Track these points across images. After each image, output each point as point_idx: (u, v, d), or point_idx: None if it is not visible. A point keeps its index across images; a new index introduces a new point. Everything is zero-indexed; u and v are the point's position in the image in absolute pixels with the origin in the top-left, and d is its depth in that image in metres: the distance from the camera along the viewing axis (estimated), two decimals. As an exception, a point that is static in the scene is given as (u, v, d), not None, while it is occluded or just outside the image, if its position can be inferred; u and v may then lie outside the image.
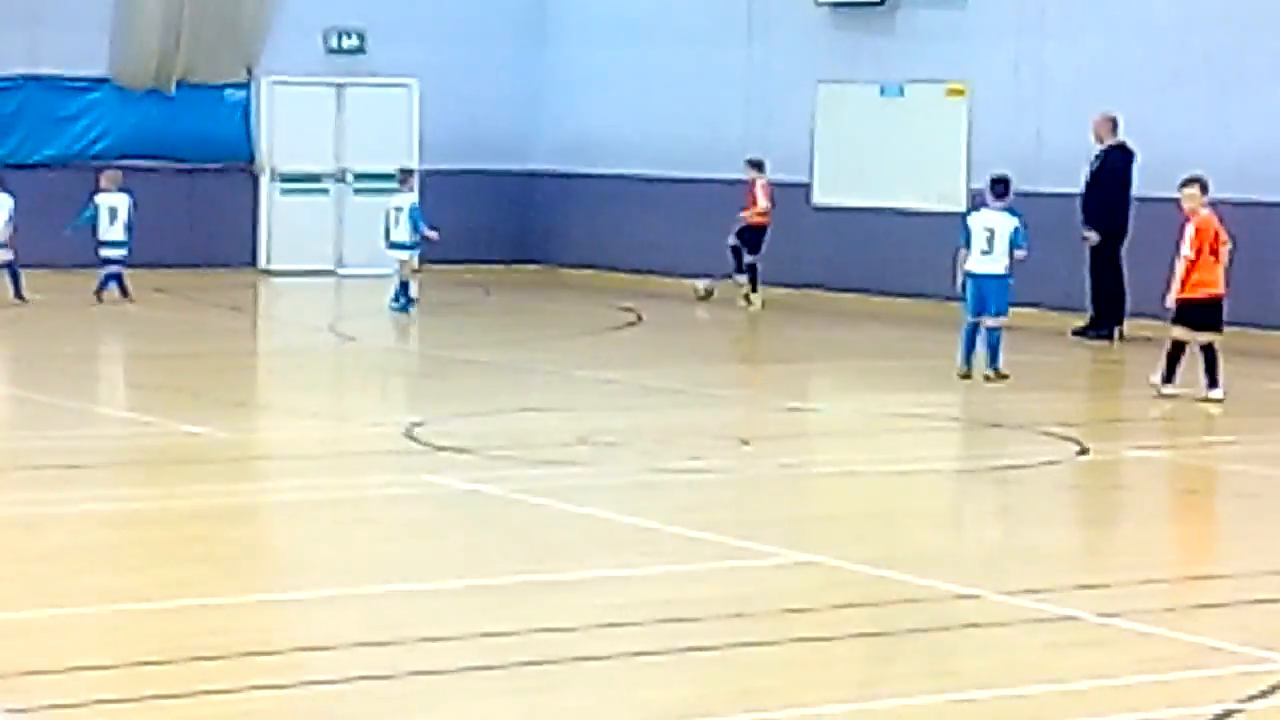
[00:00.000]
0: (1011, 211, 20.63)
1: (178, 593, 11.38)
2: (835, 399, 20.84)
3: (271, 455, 16.86)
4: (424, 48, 32.99)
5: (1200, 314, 19.41)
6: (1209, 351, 19.41)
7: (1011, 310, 20.88)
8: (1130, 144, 25.19)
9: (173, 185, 31.78)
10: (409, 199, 27.78)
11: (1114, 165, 25.22)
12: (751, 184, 29.17)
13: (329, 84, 33.18)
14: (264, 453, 16.99)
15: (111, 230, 27.53)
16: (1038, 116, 27.28)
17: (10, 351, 22.55)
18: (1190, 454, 17.15)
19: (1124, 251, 25.17)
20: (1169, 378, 19.40)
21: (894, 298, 28.50)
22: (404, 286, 27.30)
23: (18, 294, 26.54)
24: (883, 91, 29.38)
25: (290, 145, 32.88)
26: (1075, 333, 25.24)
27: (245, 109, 32.61)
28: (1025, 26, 27.65)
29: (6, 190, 27.23)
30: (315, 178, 33.16)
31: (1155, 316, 24.83)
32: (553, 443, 16.77)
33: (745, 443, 17.14)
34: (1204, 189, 19.71)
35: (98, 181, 28.06)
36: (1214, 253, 19.53)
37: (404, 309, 27.23)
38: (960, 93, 28.38)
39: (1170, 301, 19.63)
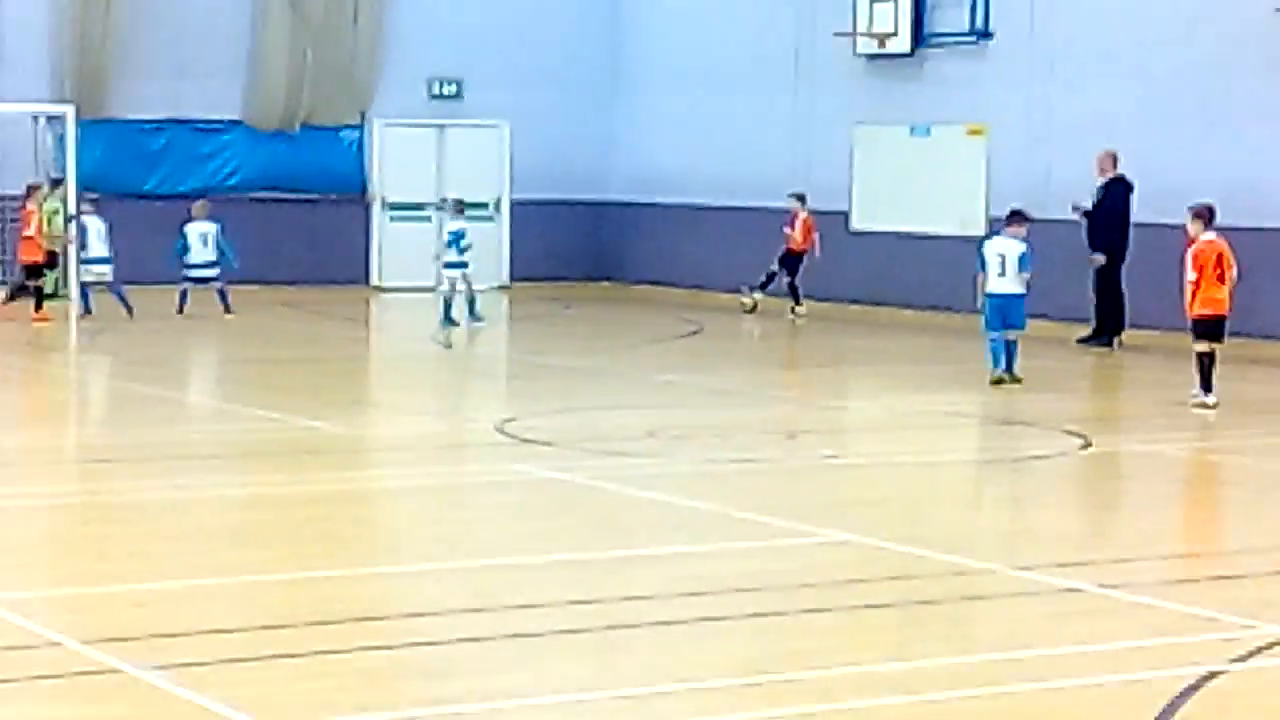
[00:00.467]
0: (1019, 239, 20.58)
1: (299, 566, 11.40)
2: (870, 398, 20.76)
3: (381, 447, 16.87)
4: (514, 94, 33.01)
5: (1206, 328, 19.13)
6: (1208, 359, 19.11)
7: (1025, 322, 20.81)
8: (1129, 176, 25.09)
9: (296, 214, 31.91)
10: (459, 225, 27.13)
11: (1115, 195, 25.12)
12: (794, 214, 29.09)
13: (431, 125, 33.22)
14: (374, 445, 17.00)
15: (204, 253, 27.36)
16: (1048, 153, 27.15)
17: (155, 358, 22.63)
18: (1183, 447, 17.04)
19: (1124, 270, 25.09)
20: (1207, 388, 19.00)
21: (922, 311, 28.40)
22: (470, 302, 26.75)
23: (127, 310, 26.32)
24: (912, 131, 29.29)
25: (397, 178, 32.93)
26: (1080, 341, 25.13)
27: (359, 147, 32.68)
28: (1037, 74, 27.53)
29: (100, 215, 27.07)
30: (419, 206, 33.18)
31: (1151, 327, 24.80)
32: (625, 436, 16.75)
33: (792, 437, 17.10)
34: (1203, 218, 19.41)
35: (189, 212, 27.88)
36: (1219, 276, 19.18)
37: (451, 324, 26.54)
38: (980, 132, 28.27)
39: (1188, 318, 19.35)
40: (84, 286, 26.88)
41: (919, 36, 28.99)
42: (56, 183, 29.10)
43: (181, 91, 31.16)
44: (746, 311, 29.46)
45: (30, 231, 26.67)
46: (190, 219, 27.74)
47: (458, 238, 26.79)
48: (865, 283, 29.33)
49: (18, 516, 13.08)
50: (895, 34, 29.04)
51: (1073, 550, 12.52)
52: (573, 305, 30.93)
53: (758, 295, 29.19)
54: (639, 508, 13.59)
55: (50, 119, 29.82)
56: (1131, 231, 25.06)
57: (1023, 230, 20.64)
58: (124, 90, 30.91)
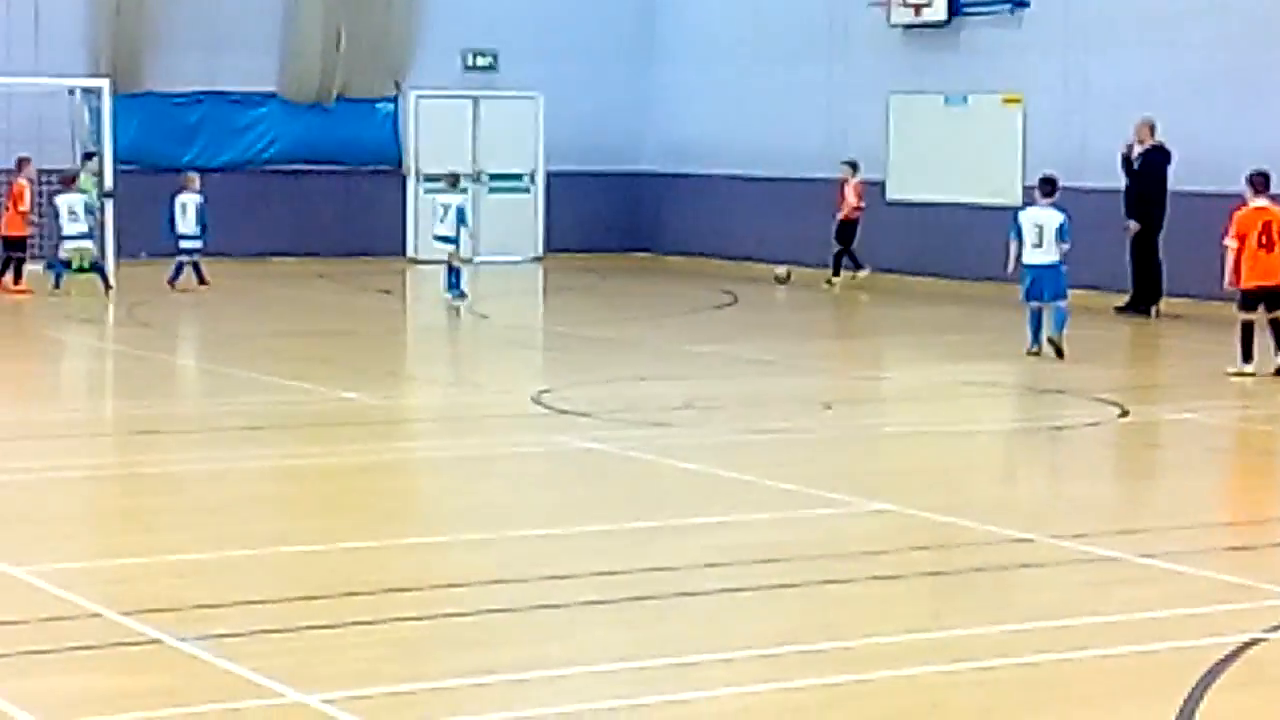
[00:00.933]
0: (1058, 208, 20.41)
1: (334, 537, 11.42)
2: (906, 368, 20.73)
3: (416, 418, 16.90)
4: (548, 66, 32.98)
5: (1260, 299, 18.91)
6: (1275, 327, 18.96)
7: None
8: (1167, 145, 24.98)
9: (332, 185, 31.94)
10: (457, 199, 26.75)
11: (1152, 164, 25.02)
12: (844, 182, 29.00)
13: (466, 97, 33.20)
14: (410, 416, 17.03)
15: (184, 224, 27.13)
16: (1083, 122, 27.05)
17: (191, 331, 22.69)
18: (1221, 416, 16.96)
19: (1161, 239, 25.00)
20: (1247, 357, 18.84)
21: (958, 280, 28.33)
22: (455, 275, 26.17)
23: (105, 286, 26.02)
24: (947, 101, 29.19)
25: (433, 150, 32.91)
26: (1117, 310, 25.05)
27: (394, 119, 32.69)
28: (1072, 43, 27.42)
29: (78, 191, 26.68)
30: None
31: (1188, 296, 24.71)
32: (660, 407, 16.74)
33: (828, 407, 17.07)
34: (1253, 185, 19.23)
35: (183, 184, 27.66)
36: (1266, 244, 18.94)
37: (460, 297, 25.90)
38: (1015, 101, 28.17)
39: (1227, 285, 19.15)
40: (59, 263, 26.42)
41: (954, 6, 28.88)
42: (89, 156, 29.13)
43: (217, 65, 31.19)
44: (779, 282, 29.41)
45: (25, 206, 26.50)
46: (182, 189, 27.51)
47: (461, 213, 26.41)
48: (901, 253, 29.25)
49: (57, 488, 13.13)
50: (930, 3, 28.95)
51: (1110, 519, 12.49)
52: (607, 276, 30.89)
53: (852, 274, 28.82)
54: (675, 478, 13.58)
55: (86, 93, 29.87)
56: (1169, 200, 24.97)
57: (1054, 198, 20.47)
58: (160, 64, 30.96)
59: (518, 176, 33.41)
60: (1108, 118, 26.29)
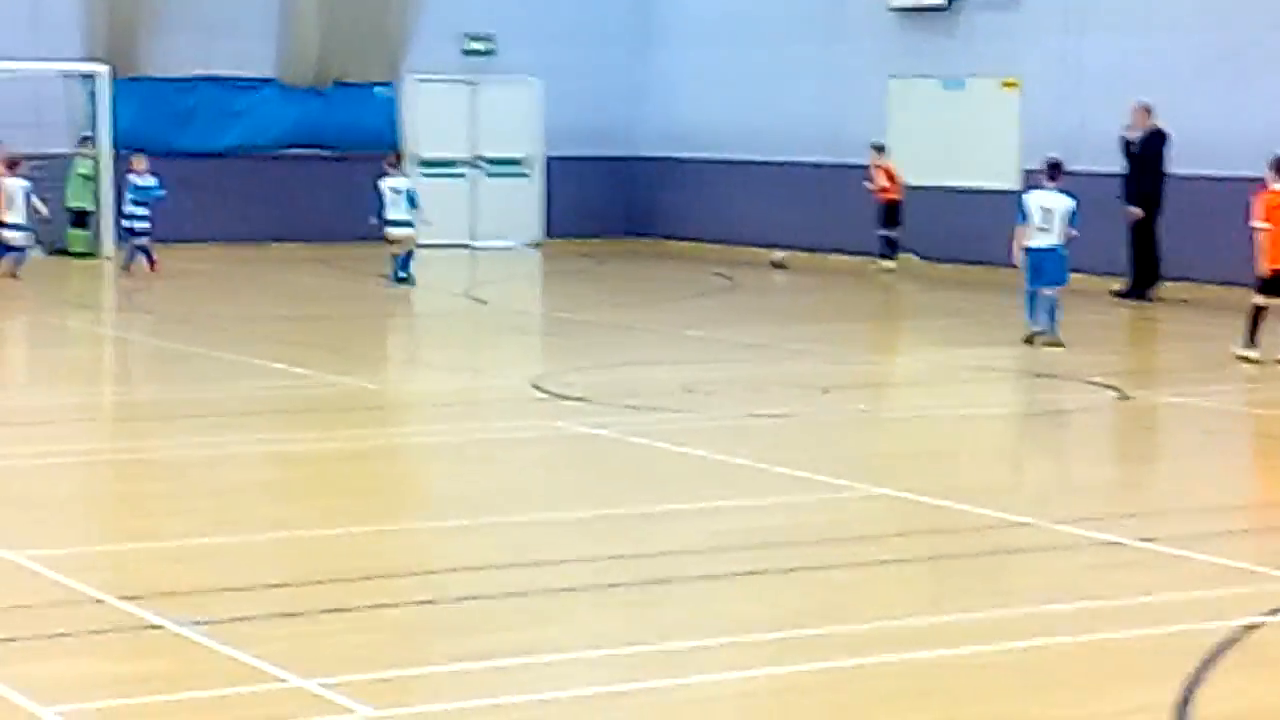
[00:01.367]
0: (1067, 193, 20.23)
1: (337, 521, 11.43)
2: (905, 352, 20.74)
3: (415, 403, 16.90)
4: (547, 50, 32.96)
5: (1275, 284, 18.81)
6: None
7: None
8: (1165, 128, 24.98)
9: (329, 171, 31.90)
10: (404, 181, 26.56)
11: (1150, 148, 25.01)
12: (872, 165, 28.98)
13: (464, 81, 33.19)
14: (408, 401, 17.03)
15: (133, 206, 26.87)
16: (1081, 105, 27.03)
17: (187, 315, 22.68)
18: (1220, 399, 16.96)
19: (1159, 223, 25.00)
20: (1251, 342, 18.76)
21: (956, 264, 28.33)
22: (405, 260, 26.04)
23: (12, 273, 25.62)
24: (945, 85, 29.19)
25: (431, 135, 32.90)
26: (1115, 294, 25.05)
27: (392, 104, 32.67)
28: (1069, 26, 27.40)
29: (19, 174, 26.22)
30: (452, 163, 33.18)
31: (1186, 279, 24.72)
32: (660, 391, 16.75)
33: (826, 391, 17.06)
34: (1274, 167, 19.05)
35: (130, 165, 27.36)
36: None
37: (407, 282, 25.89)
38: (1013, 85, 28.17)
39: (1265, 269, 18.88)
40: (6, 248, 26.04)
41: (952, -11, 28.89)
42: (84, 140, 29.11)
43: (214, 49, 31.15)
44: (775, 267, 29.41)
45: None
46: (130, 170, 27.25)
47: (411, 196, 26.16)
48: (899, 236, 29.22)
49: (55, 473, 13.13)
50: (928, -14, 28.96)
51: (1110, 503, 12.51)
52: (606, 261, 30.89)
53: (892, 263, 28.78)
54: (674, 462, 13.59)
55: (83, 77, 29.85)
56: (1167, 184, 24.96)
57: (1060, 181, 20.35)
58: (157, 48, 30.92)
59: (516, 161, 33.40)
60: (1105, 101, 26.29)
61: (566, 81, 33.05)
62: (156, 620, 8.99)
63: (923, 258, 28.80)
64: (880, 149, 28.96)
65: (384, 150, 32.07)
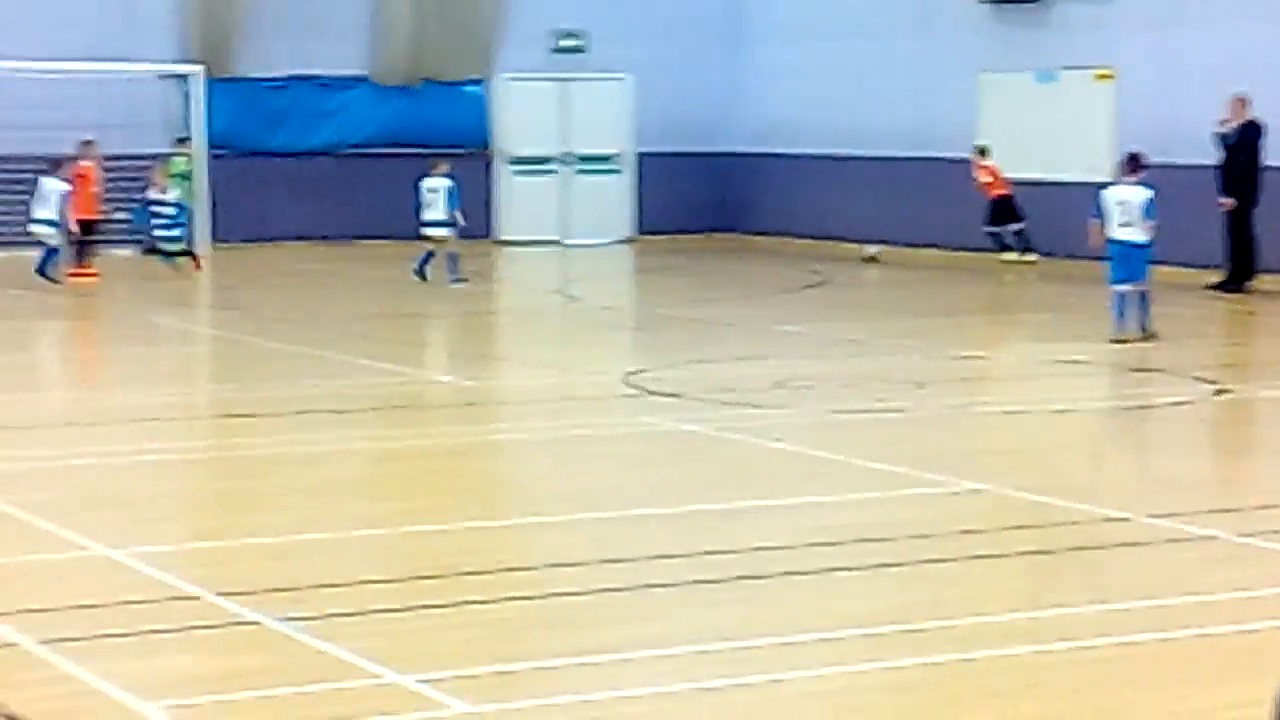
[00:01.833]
0: (1145, 184, 19.96)
1: (435, 518, 11.45)
2: (999, 347, 20.63)
3: (509, 400, 16.92)
4: (638, 47, 32.98)
5: None
6: None
7: (1153, 268, 20.36)
8: (1260, 120, 24.77)
9: (421, 168, 31.88)
10: (445, 182, 26.11)
11: (1246, 140, 24.81)
12: (975, 165, 28.90)
13: (554, 79, 33.24)
14: (502, 398, 17.06)
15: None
16: (1176, 97, 26.82)
17: (284, 314, 22.80)
18: (1316, 393, 16.80)
19: (1255, 215, 24.79)
20: None
21: (1048, 258, 28.17)
22: (452, 260, 25.62)
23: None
24: (1038, 78, 29.02)
25: (521, 133, 32.99)
26: (1210, 287, 24.85)
27: (482, 102, 32.76)
28: (1165, 18, 27.19)
29: (62, 178, 25.88)
30: (543, 160, 33.26)
31: (1283, 272, 24.50)
32: (752, 387, 16.71)
33: (920, 386, 16.98)
34: None
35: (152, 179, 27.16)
36: None
37: (457, 281, 25.49)
38: (1108, 78, 27.97)
39: None
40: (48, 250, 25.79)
41: (1044, -18, 28.73)
42: (181, 142, 29.32)
43: (307, 49, 31.33)
44: (867, 261, 29.32)
45: (95, 188, 26.52)
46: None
47: (451, 195, 25.90)
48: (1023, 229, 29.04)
49: (152, 471, 13.23)
50: (1020, -20, 28.80)
51: (1207, 498, 12.40)
52: (697, 257, 30.85)
53: (1030, 255, 28.69)
54: (768, 458, 13.56)
55: (178, 78, 30.07)
56: (1263, 176, 24.75)
57: (1140, 175, 20.07)
58: (251, 49, 31.12)
59: (607, 158, 33.43)
60: (1200, 93, 26.07)
61: (657, 78, 33.05)
62: (254, 616, 9.03)
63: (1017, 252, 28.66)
64: (980, 151, 28.83)
65: (474, 147, 32.27)
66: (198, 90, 29.61)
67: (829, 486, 12.46)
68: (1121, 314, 19.74)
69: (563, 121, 33.30)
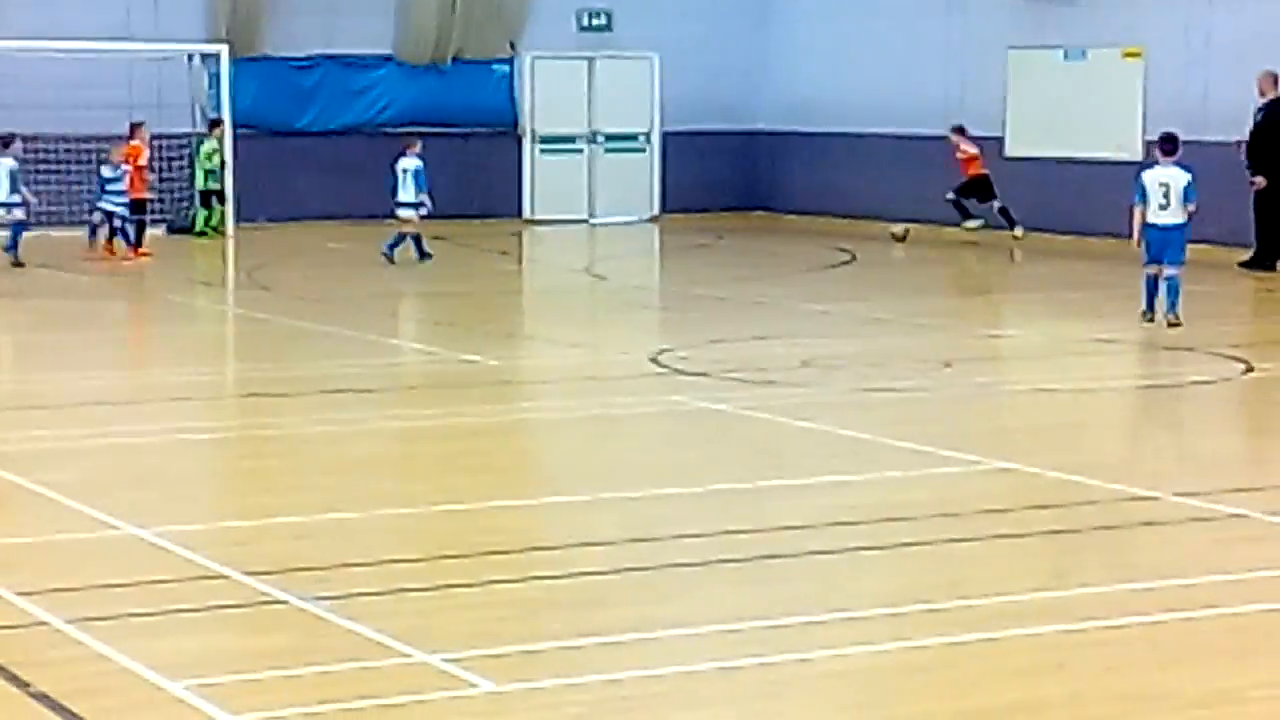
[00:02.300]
0: (1183, 166, 19.77)
1: (461, 497, 11.47)
2: (1026, 325, 20.59)
3: (536, 379, 16.93)
4: (664, 25, 32.92)
5: None
6: None
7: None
8: (1290, 97, 24.69)
9: (448, 148, 31.98)
10: (414, 163, 25.90)
11: (1276, 117, 24.68)
12: (955, 146, 28.94)
13: (581, 58, 33.21)
14: (529, 377, 17.07)
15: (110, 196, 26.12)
16: (1205, 75, 26.73)
17: (310, 293, 22.82)
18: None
19: (1284, 192, 24.72)
20: None
21: (1077, 236, 28.11)
22: (416, 241, 25.56)
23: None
24: (1066, 56, 28.94)
25: (548, 111, 32.97)
26: (1241, 265, 24.75)
27: (510, 81, 32.74)
28: (1194, -6, 27.13)
29: (11, 155, 25.35)
30: (570, 139, 33.24)
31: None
32: (779, 366, 16.71)
33: (947, 365, 16.96)
34: None
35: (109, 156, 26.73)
36: None
37: (423, 258, 25.48)
38: (1136, 55, 27.88)
39: None
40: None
41: (1073, -42, 28.64)
42: (214, 124, 29.37)
43: (333, 28, 31.34)
44: (896, 240, 29.28)
45: (142, 163, 26.55)
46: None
47: (419, 176, 25.70)
48: (1020, 209, 29.02)
49: (180, 450, 13.27)
50: (1049, -44, 28.71)
51: (1236, 476, 12.36)
52: (725, 236, 30.86)
53: (973, 225, 28.85)
54: (795, 437, 13.56)
55: (205, 58, 30.10)
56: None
57: (1177, 155, 19.88)
58: (277, 28, 31.14)
59: (633, 136, 33.39)
60: (1230, 70, 25.99)
61: (684, 56, 33.00)
62: (281, 595, 9.06)
63: (1041, 230, 28.58)
64: (956, 129, 28.87)
65: (501, 126, 32.26)
66: (223, 69, 29.63)
67: (855, 465, 12.45)
68: (1152, 297, 19.50)
69: (589, 100, 33.27)
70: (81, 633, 8.48)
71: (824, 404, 14.78)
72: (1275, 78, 24.75)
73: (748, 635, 8.55)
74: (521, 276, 27.48)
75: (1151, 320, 19.37)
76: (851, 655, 8.29)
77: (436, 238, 28.40)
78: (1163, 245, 19.39)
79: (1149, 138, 25.24)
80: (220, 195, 29.22)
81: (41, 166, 28.33)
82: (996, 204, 28.74)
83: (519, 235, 31.36)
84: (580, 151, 33.26)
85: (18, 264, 24.74)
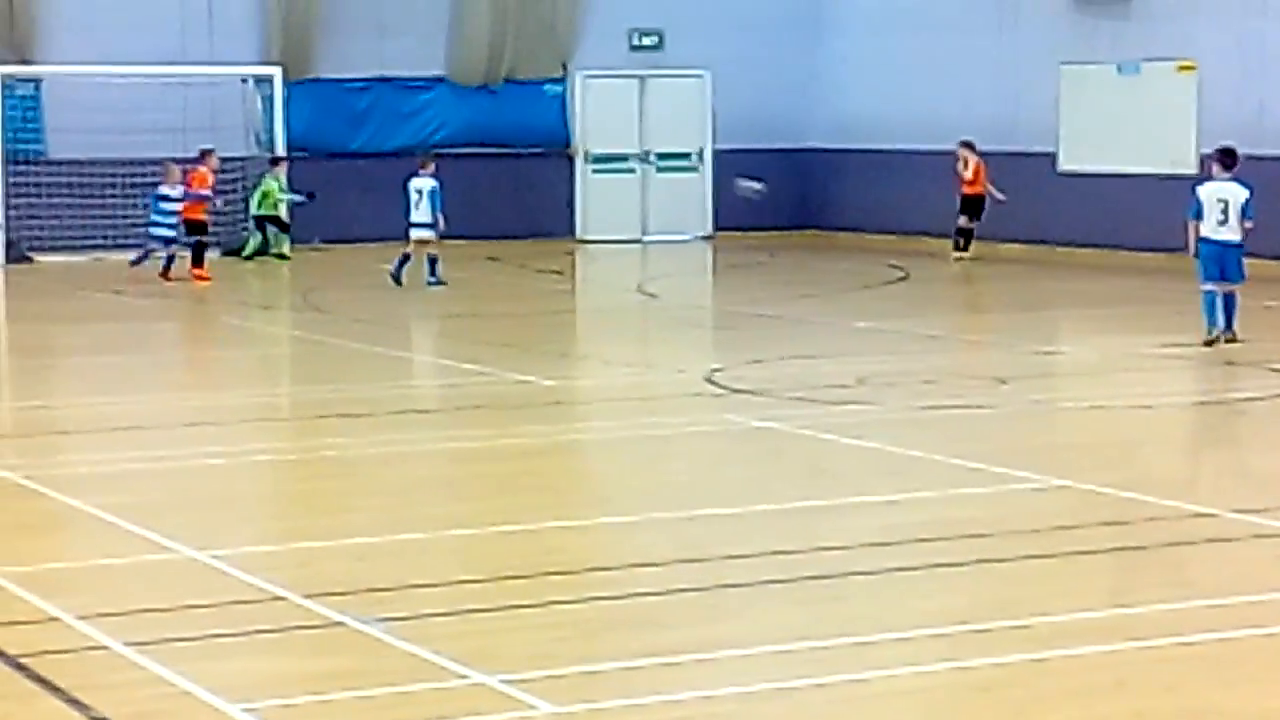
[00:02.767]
0: (1240, 182, 19.56)
1: (518, 518, 11.47)
2: (1082, 342, 20.52)
3: (590, 399, 16.95)
4: (715, 43, 32.95)
5: None
6: None
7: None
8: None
9: (501, 168, 32.12)
10: (429, 183, 25.64)
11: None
12: (961, 159, 28.94)
13: (633, 76, 33.26)
14: (583, 397, 17.08)
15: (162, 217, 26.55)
16: (1260, 88, 26.62)
17: (368, 315, 22.89)
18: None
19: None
20: None
21: (1131, 251, 28.00)
22: (432, 263, 25.32)
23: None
24: (1120, 70, 28.85)
25: (600, 131, 33.02)
26: (1298, 280, 24.64)
27: (561, 100, 32.81)
28: (1248, 8, 26.98)
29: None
30: (622, 158, 33.28)
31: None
32: (833, 384, 16.69)
33: (1002, 382, 16.93)
34: None
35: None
36: None
37: (436, 284, 25.21)
38: (1190, 69, 27.78)
39: None
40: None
41: (1126, -27, 28.56)
42: (275, 161, 29.43)
43: (386, 50, 31.46)
44: (957, 259, 29.21)
45: (206, 190, 26.69)
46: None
47: (437, 198, 25.46)
48: (1074, 224, 28.96)
49: (238, 473, 13.32)
50: (1101, -29, 28.64)
51: (1295, 493, 12.30)
52: (777, 253, 30.84)
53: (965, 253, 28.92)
54: (850, 455, 13.54)
55: (259, 81, 30.25)
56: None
57: (1234, 171, 19.69)
58: (330, 50, 31.28)
59: (685, 155, 33.41)
60: (1283, 84, 25.88)
61: (735, 74, 33.02)
62: (338, 618, 9.08)
63: (1095, 246, 28.50)
64: (965, 144, 28.83)
65: (553, 145, 32.32)
66: (276, 92, 29.76)
67: (910, 484, 12.42)
68: (1212, 314, 19.23)
69: (640, 119, 33.30)
70: (141, 655, 8.51)
71: (878, 422, 14.76)
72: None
73: (802, 656, 8.54)
74: (574, 296, 27.51)
75: (1214, 343, 18.98)
76: (906, 676, 8.25)
77: (490, 258, 28.53)
78: (1220, 261, 19.19)
79: (1203, 152, 25.16)
80: (278, 221, 29.36)
81: (96, 191, 28.47)
82: (978, 223, 28.74)
83: (571, 255, 31.40)
84: (632, 171, 33.29)
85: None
